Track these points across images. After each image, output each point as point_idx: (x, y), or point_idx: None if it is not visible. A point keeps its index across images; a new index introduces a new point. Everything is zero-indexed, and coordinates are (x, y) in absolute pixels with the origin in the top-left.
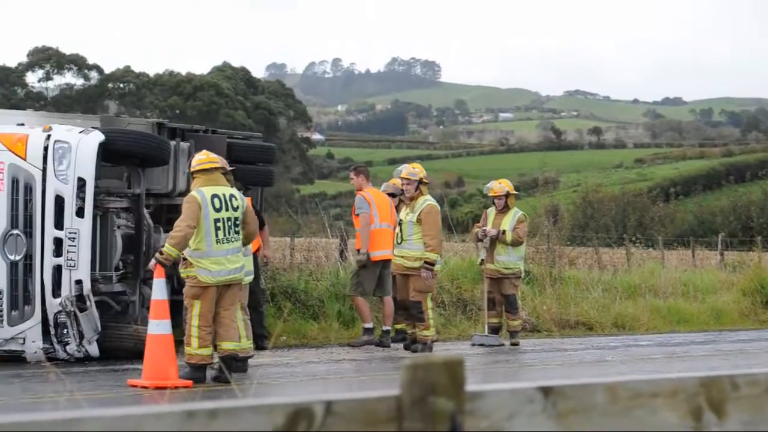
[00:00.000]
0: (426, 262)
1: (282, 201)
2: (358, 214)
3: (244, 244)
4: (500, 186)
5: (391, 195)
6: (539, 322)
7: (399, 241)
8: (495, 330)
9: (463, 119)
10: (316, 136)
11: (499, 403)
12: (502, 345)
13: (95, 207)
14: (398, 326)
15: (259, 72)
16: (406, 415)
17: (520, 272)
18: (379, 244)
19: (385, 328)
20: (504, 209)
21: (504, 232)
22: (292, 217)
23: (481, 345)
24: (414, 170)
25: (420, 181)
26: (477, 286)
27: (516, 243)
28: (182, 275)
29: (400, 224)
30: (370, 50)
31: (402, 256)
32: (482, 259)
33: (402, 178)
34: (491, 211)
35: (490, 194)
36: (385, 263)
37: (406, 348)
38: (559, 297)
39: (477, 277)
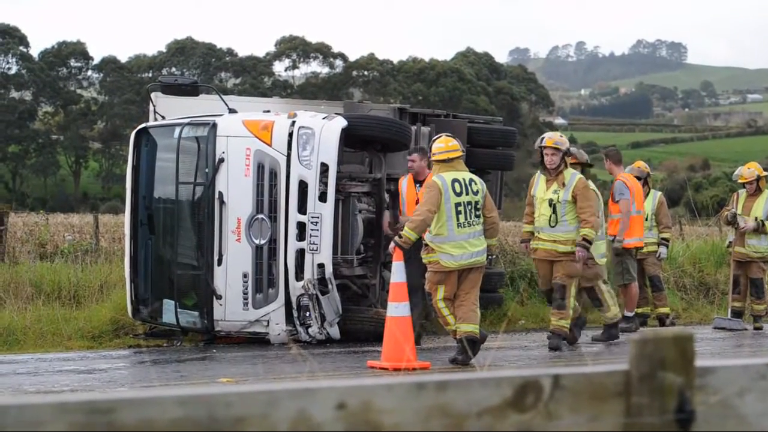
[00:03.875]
0: (585, 240)
1: (523, 186)
2: (617, 201)
3: (490, 235)
4: (750, 171)
5: (636, 178)
6: None
7: (553, 224)
8: (738, 314)
9: (709, 101)
10: (558, 121)
11: (729, 379)
12: (745, 329)
13: (337, 192)
14: (639, 310)
15: (502, 57)
16: (634, 389)
17: None
18: (635, 231)
19: (628, 313)
20: (756, 192)
21: (763, 223)
22: None
23: (723, 329)
24: (561, 138)
25: (566, 152)
26: (720, 270)
27: None
28: (424, 261)
29: (550, 204)
30: (615, 33)
31: (553, 240)
32: (730, 242)
33: (546, 147)
34: (742, 193)
35: (739, 181)
36: (637, 250)
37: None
38: None
39: (720, 260)
